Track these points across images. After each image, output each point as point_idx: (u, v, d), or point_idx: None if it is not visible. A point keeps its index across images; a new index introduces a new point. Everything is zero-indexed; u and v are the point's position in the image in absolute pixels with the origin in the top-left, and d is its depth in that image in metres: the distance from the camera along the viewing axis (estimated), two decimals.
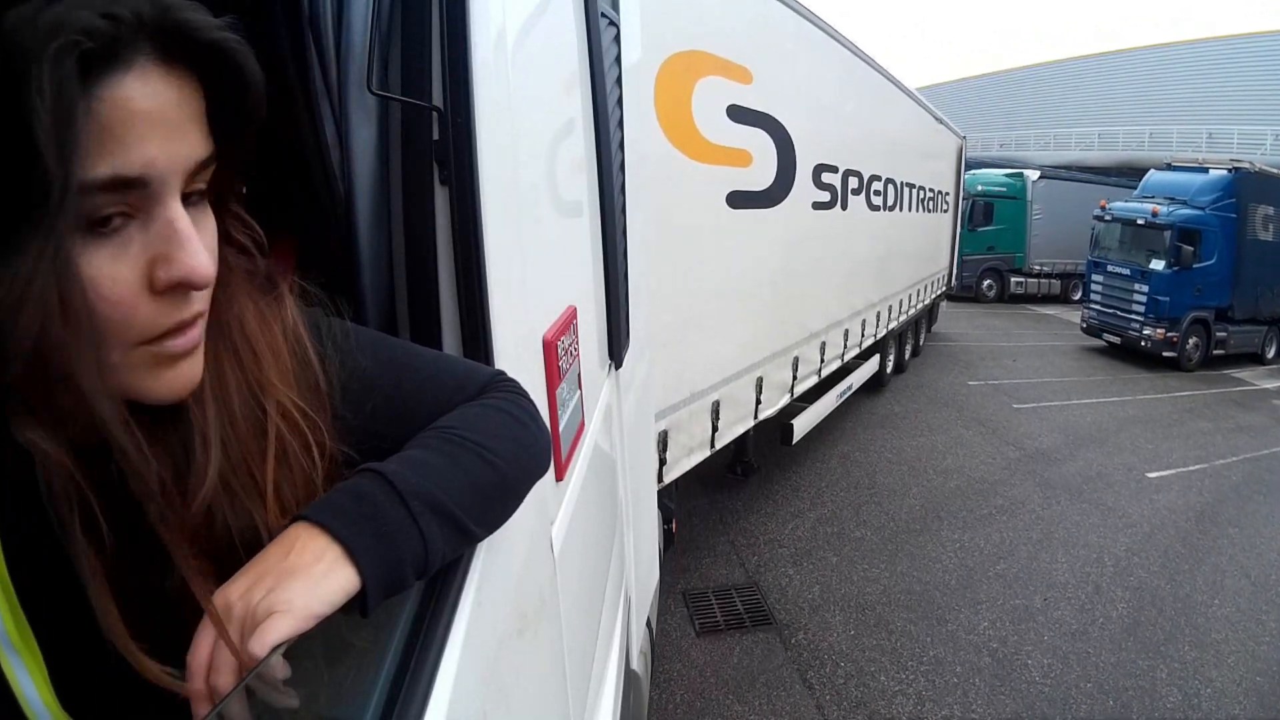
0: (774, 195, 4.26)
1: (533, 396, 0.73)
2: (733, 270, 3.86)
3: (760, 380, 4.38)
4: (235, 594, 0.45)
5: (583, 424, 1.11)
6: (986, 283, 16.48)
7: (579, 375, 1.07)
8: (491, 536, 0.63)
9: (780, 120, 4.17)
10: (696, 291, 3.49)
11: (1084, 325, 11.60)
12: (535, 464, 0.68)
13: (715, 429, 3.89)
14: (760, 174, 4.06)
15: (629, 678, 1.69)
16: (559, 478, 0.95)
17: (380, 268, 0.80)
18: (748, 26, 3.83)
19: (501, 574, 0.70)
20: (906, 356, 9.52)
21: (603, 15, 1.47)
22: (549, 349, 0.91)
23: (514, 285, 0.83)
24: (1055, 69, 29.97)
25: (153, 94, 0.42)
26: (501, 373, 0.73)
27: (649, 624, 2.23)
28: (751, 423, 4.43)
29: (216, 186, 0.50)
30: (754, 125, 3.93)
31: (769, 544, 4.75)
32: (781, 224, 4.38)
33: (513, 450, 0.63)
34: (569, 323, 1.02)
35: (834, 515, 5.23)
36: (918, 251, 8.77)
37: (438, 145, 0.75)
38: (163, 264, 0.44)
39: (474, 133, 0.74)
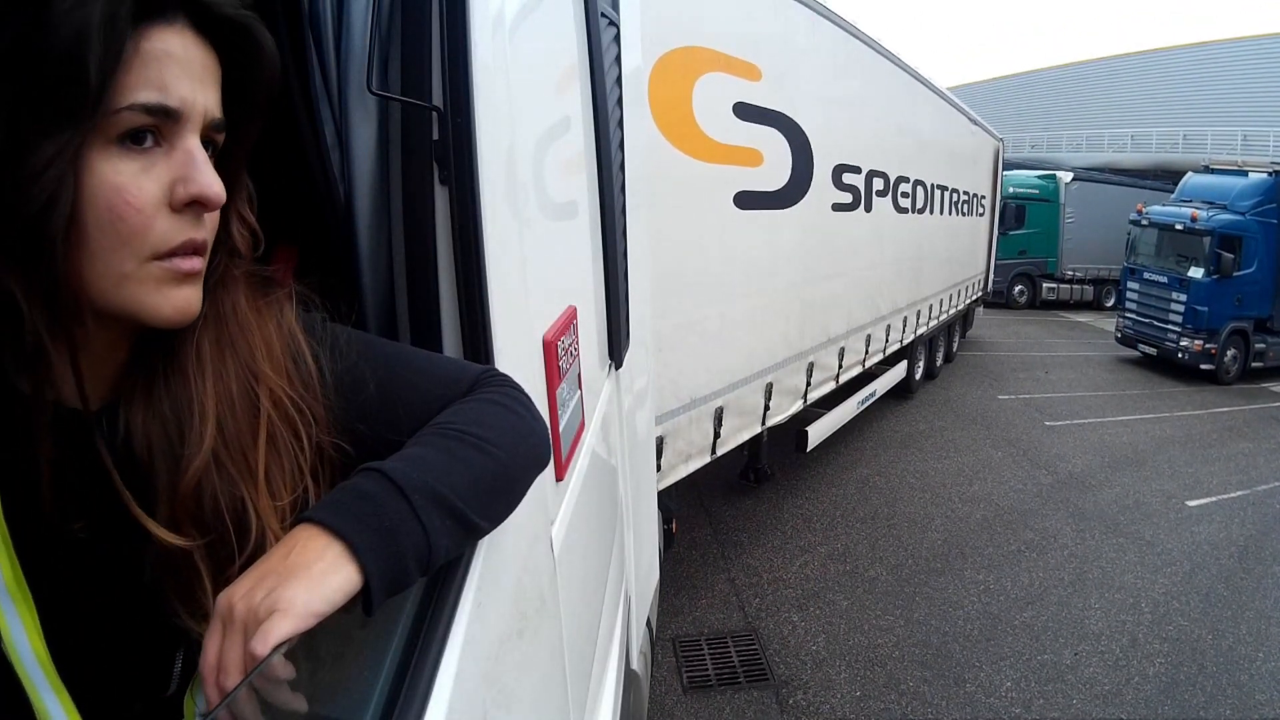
0: (788, 196, 4.15)
1: (533, 397, 0.73)
2: (739, 273, 3.75)
3: (770, 386, 4.26)
4: (238, 595, 0.45)
5: (583, 424, 1.11)
6: (1018, 288, 15.85)
7: (579, 375, 1.07)
8: (491, 536, 0.63)
9: (795, 119, 4.07)
10: (697, 295, 3.41)
11: (1119, 335, 11.09)
12: (535, 455, 0.68)
13: (718, 435, 3.79)
14: (773, 174, 3.96)
15: (629, 678, 1.69)
16: (559, 477, 0.95)
17: (380, 268, 0.81)
18: (756, 23, 3.74)
19: (501, 574, 0.70)
20: (939, 362, 9.23)
21: (603, 15, 1.47)
22: (549, 349, 0.91)
23: (514, 285, 0.83)
24: (1088, 69, 29.09)
25: (186, 48, 0.50)
26: (492, 368, 0.73)
27: (649, 624, 2.23)
28: (759, 429, 4.33)
29: (225, 165, 0.56)
30: (765, 124, 3.83)
31: (773, 584, 4.38)
32: (797, 226, 4.26)
33: (512, 442, 0.63)
34: (569, 323, 1.02)
35: (848, 551, 4.80)
36: (951, 255, 8.54)
37: (438, 145, 0.75)
38: (181, 183, 0.51)
39: (474, 133, 0.74)
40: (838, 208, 4.92)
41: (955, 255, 8.82)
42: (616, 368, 1.59)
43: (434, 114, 0.75)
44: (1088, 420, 7.91)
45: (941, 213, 7.82)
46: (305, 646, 0.45)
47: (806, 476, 5.88)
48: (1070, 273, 15.96)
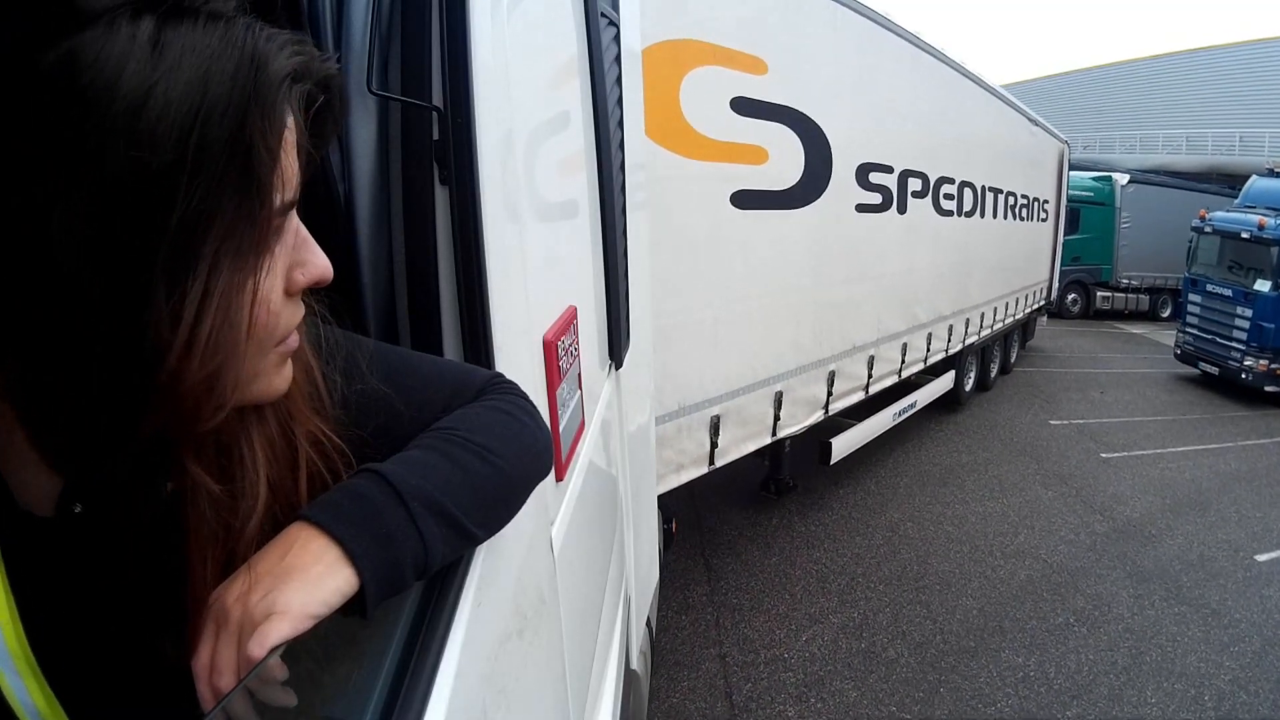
0: (800, 195, 3.96)
1: (533, 397, 0.73)
2: (738, 275, 3.59)
3: (780, 395, 4.04)
4: (232, 596, 0.45)
5: (583, 424, 1.11)
6: (1071, 296, 14.97)
7: (579, 375, 1.07)
8: (492, 538, 0.63)
9: (809, 114, 3.89)
10: (687, 297, 3.26)
11: (1178, 351, 10.32)
12: (536, 463, 0.68)
13: (715, 445, 3.60)
14: (780, 172, 3.79)
15: (629, 678, 1.70)
16: (559, 478, 0.95)
17: (380, 268, 0.80)
18: (761, 14, 3.58)
19: (501, 574, 0.70)
20: (993, 373, 8.82)
21: (602, 15, 1.47)
22: (549, 349, 0.91)
23: (514, 285, 0.83)
24: (1141, 66, 27.94)
25: (295, 124, 0.45)
26: (499, 374, 0.73)
27: (649, 624, 2.24)
28: (767, 440, 4.11)
29: None
30: (771, 119, 3.67)
31: (771, 664, 3.66)
32: (811, 227, 4.07)
33: (513, 450, 0.63)
34: (569, 323, 1.02)
35: (865, 622, 4.05)
36: (1006, 262, 8.12)
37: (438, 145, 0.75)
38: (298, 268, 0.48)
39: (474, 133, 0.74)
40: (863, 209, 4.67)
41: (1011, 262, 8.36)
42: (616, 368, 1.59)
43: (434, 114, 0.75)
44: (1147, 451, 7.20)
45: (994, 217, 7.43)
46: (305, 647, 0.45)
47: (828, 522, 5.22)
48: (1125, 281, 15.20)
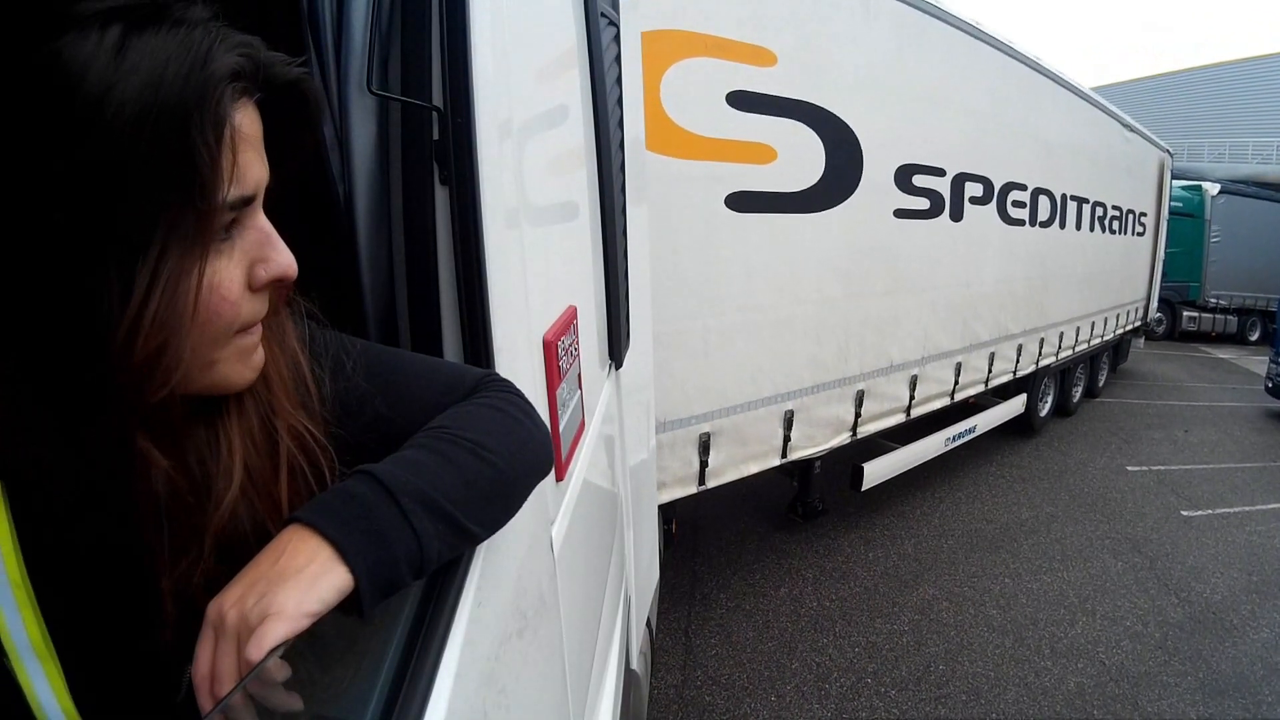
0: (821, 198, 3.62)
1: (533, 397, 0.73)
2: (735, 283, 3.31)
3: (790, 414, 3.72)
4: (229, 602, 0.45)
5: (583, 424, 1.11)
6: (1156, 316, 13.79)
7: (579, 375, 1.07)
8: (491, 537, 0.63)
9: (832, 110, 3.58)
10: (672, 306, 3.01)
11: (1269, 384, 9.34)
12: (534, 460, 0.67)
13: (705, 464, 3.32)
14: (793, 172, 3.47)
15: (629, 678, 1.70)
16: (559, 478, 0.95)
17: (380, 268, 0.81)
18: (767, 1, 3.27)
19: (501, 574, 0.70)
20: (1076, 398, 8.14)
21: (602, 15, 1.47)
22: (549, 349, 0.91)
23: (514, 285, 0.83)
24: (1231, 70, 26.67)
25: (252, 122, 0.48)
26: (492, 372, 0.73)
27: (649, 624, 2.24)
28: (776, 461, 3.79)
29: None
30: (781, 115, 3.35)
31: None
32: (837, 233, 3.74)
33: (508, 446, 0.63)
34: (569, 323, 1.02)
35: None
36: (1093, 278, 7.43)
37: (438, 145, 0.75)
38: (262, 264, 0.50)
39: (474, 133, 0.74)
40: (904, 214, 4.26)
41: (1098, 278, 7.66)
42: (616, 368, 1.59)
43: (434, 114, 0.75)
44: (1233, 509, 6.14)
45: (1078, 228, 6.78)
46: (305, 647, 0.45)
47: (846, 597, 4.23)
48: (1213, 300, 14.06)
